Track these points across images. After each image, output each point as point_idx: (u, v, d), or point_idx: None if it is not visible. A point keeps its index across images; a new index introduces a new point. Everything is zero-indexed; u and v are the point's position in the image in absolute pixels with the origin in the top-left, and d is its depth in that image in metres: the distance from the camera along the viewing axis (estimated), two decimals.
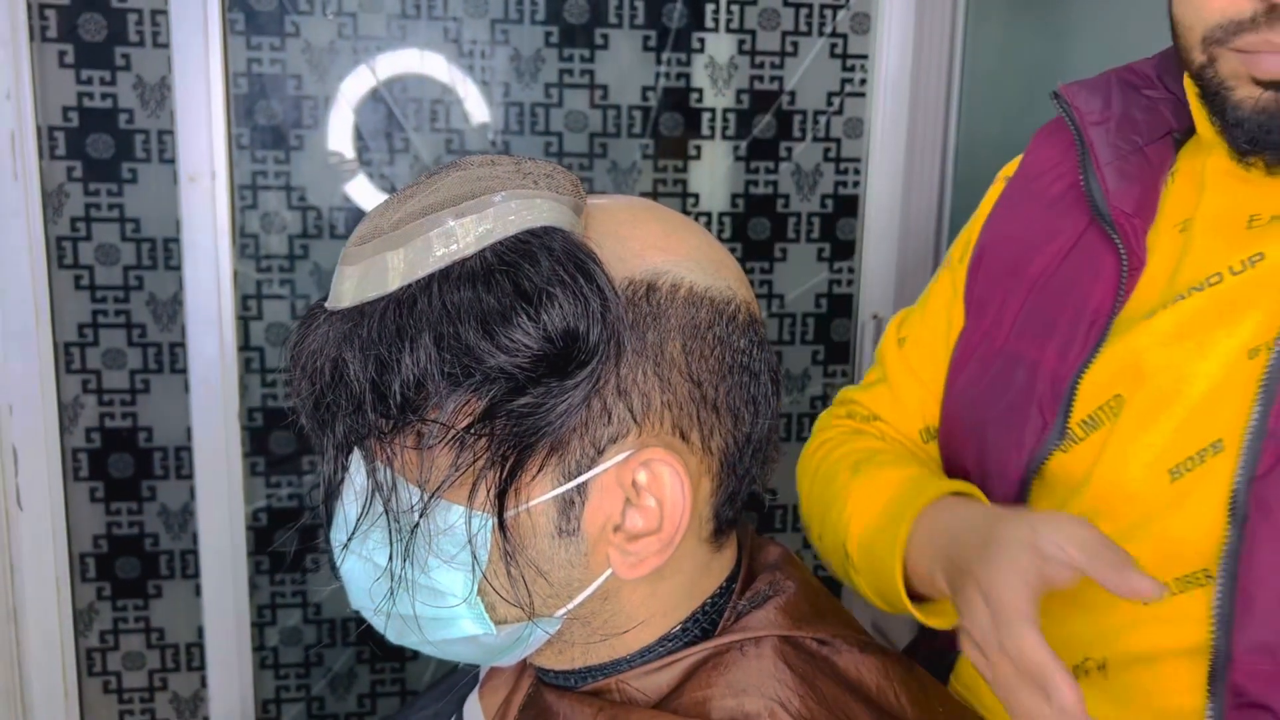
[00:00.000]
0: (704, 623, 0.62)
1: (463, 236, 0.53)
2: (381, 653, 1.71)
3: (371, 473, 0.56)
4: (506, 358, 0.51)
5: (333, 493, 0.59)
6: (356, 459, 0.57)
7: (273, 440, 1.61)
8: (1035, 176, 0.85)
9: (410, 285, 0.53)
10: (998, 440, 0.79)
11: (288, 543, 1.63)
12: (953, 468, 0.87)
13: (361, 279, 0.54)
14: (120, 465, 1.58)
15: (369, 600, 0.60)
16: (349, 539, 0.58)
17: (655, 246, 0.57)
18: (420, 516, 0.55)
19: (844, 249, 1.71)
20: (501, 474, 0.53)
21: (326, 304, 0.56)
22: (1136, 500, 0.70)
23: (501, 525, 0.54)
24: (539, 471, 0.54)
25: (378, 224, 0.55)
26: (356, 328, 0.53)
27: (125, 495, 1.59)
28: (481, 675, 0.75)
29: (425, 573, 0.57)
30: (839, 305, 1.73)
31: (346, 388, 0.53)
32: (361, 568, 0.59)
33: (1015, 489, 0.78)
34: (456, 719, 0.73)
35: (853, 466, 0.87)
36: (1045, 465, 0.76)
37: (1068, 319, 0.76)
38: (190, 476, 1.58)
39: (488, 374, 0.51)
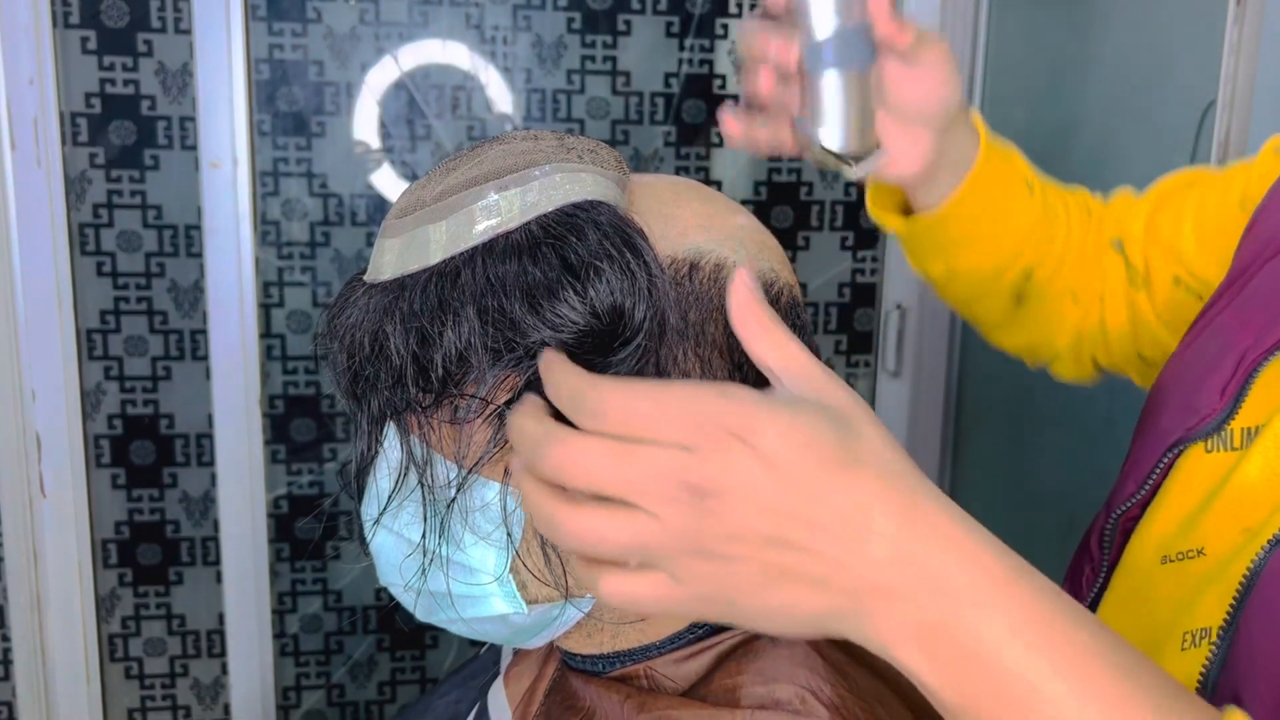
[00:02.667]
0: None
1: (506, 209, 0.52)
2: (405, 631, 1.71)
3: (407, 447, 0.56)
4: (551, 332, 0.50)
5: (365, 467, 0.58)
6: (391, 433, 0.57)
7: (294, 428, 1.61)
8: None
9: (453, 258, 0.52)
10: (1172, 415, 0.68)
11: (308, 529, 1.63)
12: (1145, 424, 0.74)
13: (403, 251, 0.53)
14: (142, 452, 1.59)
15: (398, 576, 0.59)
16: (381, 512, 0.58)
17: (699, 226, 0.56)
18: (458, 491, 0.54)
19: (868, 238, 1.70)
20: None
21: (365, 277, 0.56)
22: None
23: None
24: None
25: (419, 196, 0.55)
26: (398, 300, 0.53)
27: (147, 482, 1.60)
28: (505, 662, 0.74)
29: (458, 549, 0.56)
30: (862, 294, 1.72)
31: (387, 360, 0.53)
32: (392, 543, 0.59)
33: (1149, 469, 0.68)
34: (480, 706, 0.72)
35: None
36: (1188, 452, 0.66)
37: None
38: (211, 464, 1.59)
39: (530, 349, 0.50)
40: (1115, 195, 0.85)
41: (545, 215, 0.52)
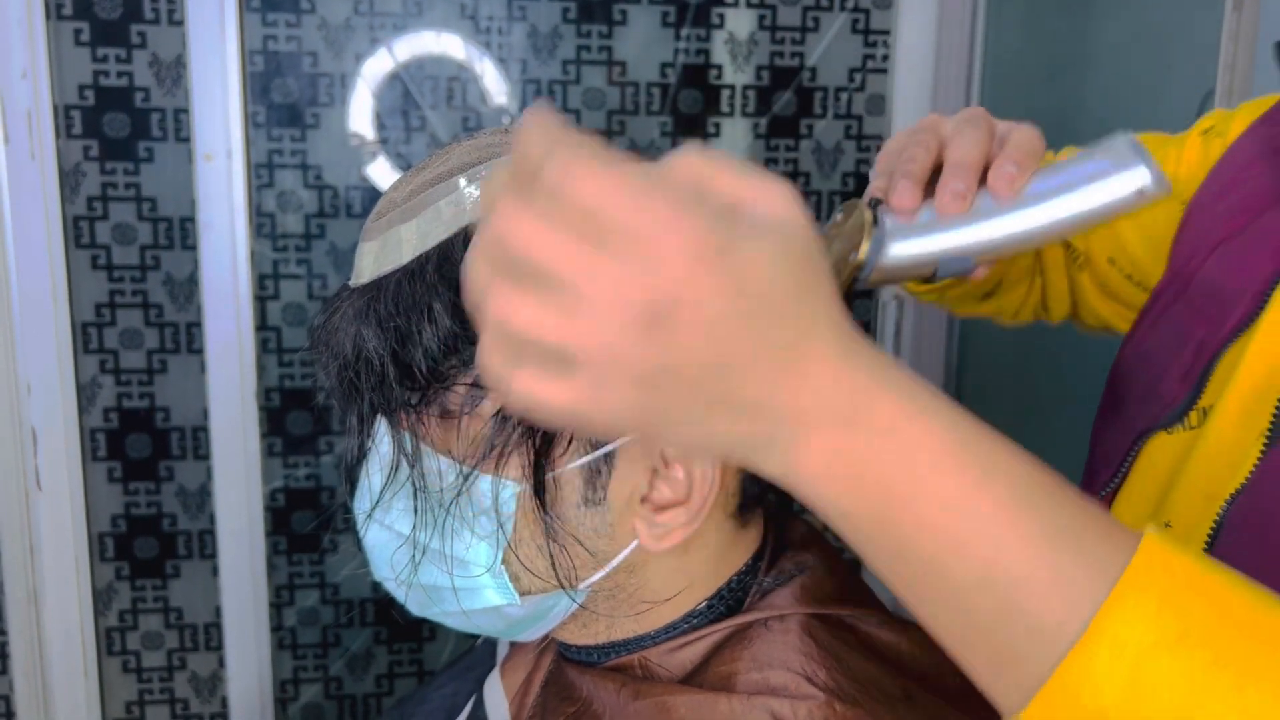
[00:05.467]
0: (729, 599, 0.61)
1: (470, 200, 0.52)
2: (402, 624, 1.71)
3: (398, 444, 0.56)
4: None
5: (357, 463, 0.59)
6: (382, 429, 0.57)
7: (290, 421, 1.61)
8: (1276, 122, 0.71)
9: (422, 254, 0.53)
10: (1138, 404, 0.70)
11: (305, 524, 1.63)
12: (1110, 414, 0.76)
13: (379, 254, 0.55)
14: (138, 445, 1.58)
15: (391, 571, 0.59)
16: (373, 508, 0.58)
17: None
18: (459, 492, 0.55)
19: None
20: (535, 442, 0.53)
21: (349, 283, 0.57)
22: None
23: (540, 494, 0.54)
24: (568, 441, 0.54)
25: (392, 198, 0.56)
26: (373, 303, 0.54)
27: (143, 475, 1.59)
28: (501, 655, 0.74)
29: (450, 541, 0.56)
30: None
31: (368, 363, 0.54)
32: (385, 538, 0.59)
33: (1116, 467, 0.71)
34: (477, 698, 0.72)
35: None
36: (1150, 443, 0.68)
37: (1233, 288, 0.65)
38: (208, 457, 1.58)
39: None
40: None
41: None
